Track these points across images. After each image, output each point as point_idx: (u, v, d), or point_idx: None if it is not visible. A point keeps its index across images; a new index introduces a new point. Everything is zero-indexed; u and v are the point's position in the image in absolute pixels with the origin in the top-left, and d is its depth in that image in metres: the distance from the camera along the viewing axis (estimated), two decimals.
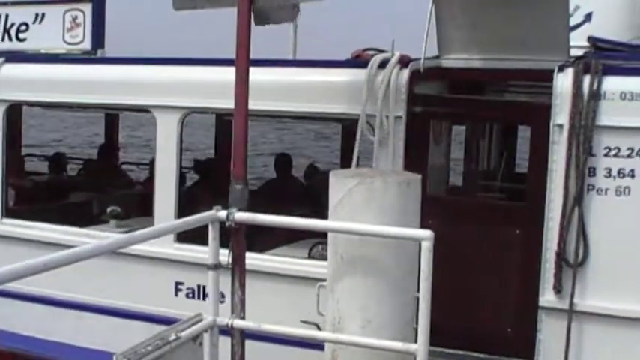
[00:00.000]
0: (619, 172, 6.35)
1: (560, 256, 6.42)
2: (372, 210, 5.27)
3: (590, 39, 7.64)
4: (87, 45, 9.44)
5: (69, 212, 9.11)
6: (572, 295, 6.39)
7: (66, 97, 8.53)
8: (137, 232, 5.01)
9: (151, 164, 9.33)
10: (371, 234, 5.16)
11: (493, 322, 6.81)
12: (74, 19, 9.57)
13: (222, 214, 5.53)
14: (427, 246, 4.89)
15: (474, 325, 6.81)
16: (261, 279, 7.13)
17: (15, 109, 9.27)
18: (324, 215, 5.76)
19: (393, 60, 6.92)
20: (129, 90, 8.00)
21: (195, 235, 7.76)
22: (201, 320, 5.48)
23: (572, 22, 8.35)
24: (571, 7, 8.31)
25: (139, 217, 8.87)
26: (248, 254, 6.01)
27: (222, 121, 11.27)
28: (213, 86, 7.60)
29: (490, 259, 6.82)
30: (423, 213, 6.71)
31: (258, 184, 10.50)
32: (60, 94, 8.49)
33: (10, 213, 8.75)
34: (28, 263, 3.88)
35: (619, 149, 6.34)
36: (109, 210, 8.60)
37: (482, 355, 6.81)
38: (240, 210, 5.63)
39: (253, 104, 7.42)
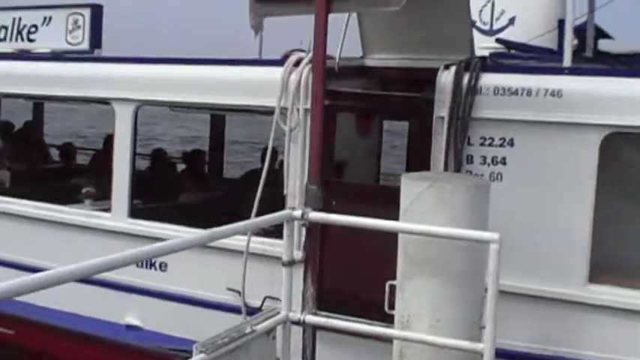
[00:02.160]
0: (493, 160, 7.06)
1: None
2: (441, 213, 5.47)
3: (498, 40, 8.38)
4: (85, 45, 10.53)
5: (59, 193, 10.19)
6: None
7: (38, 90, 9.79)
8: (220, 229, 5.25)
9: None
10: (440, 236, 5.33)
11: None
12: (75, 22, 10.66)
13: (297, 213, 5.73)
14: (495, 248, 5.09)
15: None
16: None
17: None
18: None
19: (305, 59, 7.77)
20: (92, 84, 9.09)
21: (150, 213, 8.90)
22: (275, 315, 5.70)
23: (498, 25, 9.11)
24: (497, 12, 9.08)
25: None
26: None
27: (215, 117, 12.36)
28: (163, 81, 8.64)
29: (386, 235, 7.57)
30: (328, 195, 7.62)
31: None
32: (33, 87, 9.75)
33: (5, 192, 10.06)
34: (120, 256, 4.23)
35: (493, 139, 7.06)
36: (83, 190, 9.65)
37: None
38: (314, 209, 5.91)
39: (195, 98, 8.51)
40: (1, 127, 13.01)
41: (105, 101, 9.05)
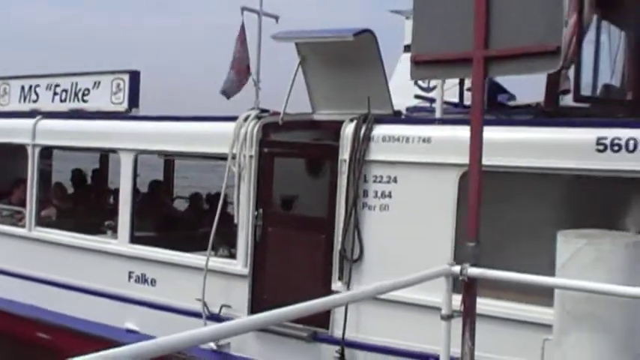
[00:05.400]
0: (382, 194, 8.75)
1: (342, 254, 8.94)
2: (599, 269, 5.55)
3: (416, 96, 10.15)
4: (125, 105, 12.30)
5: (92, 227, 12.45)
6: (349, 283, 8.87)
7: (70, 142, 12.27)
8: (384, 283, 5.63)
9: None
10: (602, 292, 5.40)
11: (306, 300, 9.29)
12: (118, 85, 12.75)
13: (456, 268, 5.98)
14: None
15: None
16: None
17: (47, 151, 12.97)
18: None
19: (252, 115, 9.81)
20: (104, 137, 11.48)
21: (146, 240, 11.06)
22: None
23: (434, 82, 10.82)
24: None
25: None
26: None
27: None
28: (156, 135, 10.90)
29: (307, 254, 9.43)
30: (266, 222, 9.58)
31: None
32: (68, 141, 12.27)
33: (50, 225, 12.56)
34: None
35: (382, 177, 8.78)
36: (106, 223, 11.92)
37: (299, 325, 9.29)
38: (472, 265, 6.09)
39: (176, 147, 10.70)
40: (74, 173, 15.60)
41: (114, 151, 11.37)
